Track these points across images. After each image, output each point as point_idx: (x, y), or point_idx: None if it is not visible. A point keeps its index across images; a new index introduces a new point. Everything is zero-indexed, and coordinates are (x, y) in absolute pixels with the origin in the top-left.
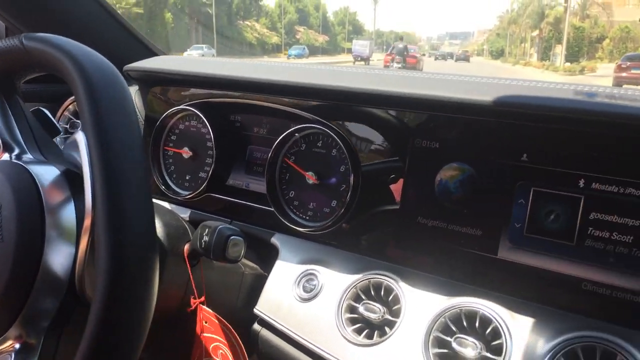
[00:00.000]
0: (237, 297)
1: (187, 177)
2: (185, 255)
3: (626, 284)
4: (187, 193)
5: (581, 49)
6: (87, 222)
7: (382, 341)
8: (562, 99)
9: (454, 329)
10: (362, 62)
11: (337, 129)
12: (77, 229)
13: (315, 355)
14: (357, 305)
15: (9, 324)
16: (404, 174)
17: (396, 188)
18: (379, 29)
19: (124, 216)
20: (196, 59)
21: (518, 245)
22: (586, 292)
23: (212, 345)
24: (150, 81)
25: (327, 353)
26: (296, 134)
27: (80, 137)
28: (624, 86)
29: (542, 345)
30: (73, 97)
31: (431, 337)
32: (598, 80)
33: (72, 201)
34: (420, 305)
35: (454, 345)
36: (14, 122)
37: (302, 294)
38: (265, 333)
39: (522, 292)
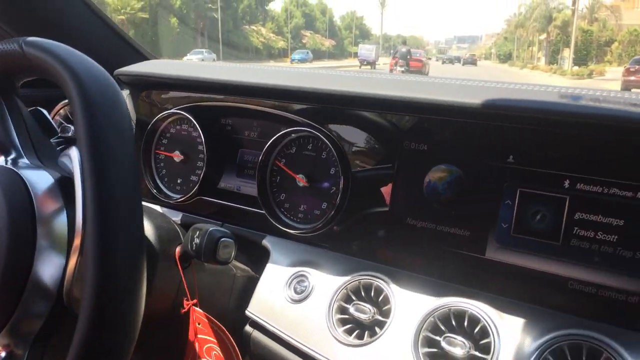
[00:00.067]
0: (229, 299)
1: (178, 181)
2: (177, 257)
3: (611, 283)
4: (178, 196)
5: (589, 52)
6: (77, 241)
7: (373, 341)
8: (546, 101)
9: (443, 328)
10: (368, 67)
11: (326, 132)
12: (68, 240)
13: (306, 356)
14: (347, 306)
15: None
16: (394, 175)
17: (386, 190)
18: (387, 33)
19: (114, 233)
20: (187, 62)
21: (505, 245)
22: (572, 291)
23: (205, 347)
24: (141, 85)
25: (318, 354)
26: (286, 137)
27: (74, 153)
28: (633, 90)
29: (530, 344)
30: (65, 102)
31: (421, 336)
32: (607, 84)
33: (65, 211)
34: (410, 305)
35: (443, 344)
36: (11, 123)
37: (293, 295)
38: (257, 335)
39: (509, 291)
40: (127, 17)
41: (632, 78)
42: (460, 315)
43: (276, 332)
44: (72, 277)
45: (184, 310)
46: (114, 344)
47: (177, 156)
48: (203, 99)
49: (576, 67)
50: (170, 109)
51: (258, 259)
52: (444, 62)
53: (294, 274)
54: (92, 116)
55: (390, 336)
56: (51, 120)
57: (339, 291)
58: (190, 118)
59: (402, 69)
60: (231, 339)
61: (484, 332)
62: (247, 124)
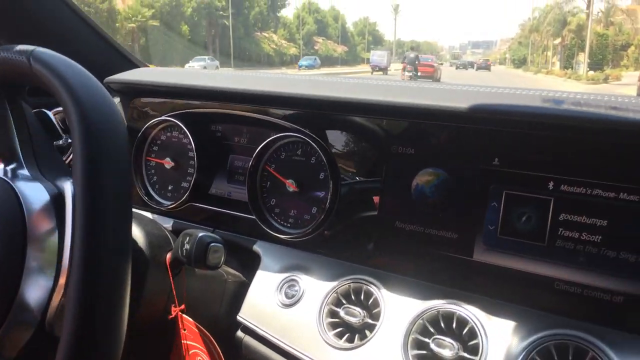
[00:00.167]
0: (221, 304)
1: (169, 187)
2: (168, 264)
3: (596, 283)
4: (169, 203)
5: (605, 56)
6: (62, 280)
7: (363, 344)
8: (530, 105)
9: (432, 330)
10: (380, 73)
11: (315, 137)
12: (57, 262)
13: None
14: (338, 309)
15: None
16: (382, 179)
17: (374, 194)
18: (400, 38)
19: (100, 260)
20: (177, 70)
21: (492, 247)
22: (559, 292)
23: (191, 352)
24: (131, 93)
25: (310, 358)
26: (276, 143)
27: (68, 191)
28: None
29: (517, 344)
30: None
31: (410, 338)
32: (623, 89)
33: (57, 232)
34: (399, 308)
35: (432, 346)
36: (15, 131)
37: (284, 300)
38: (248, 340)
39: (497, 292)
40: (138, 25)
41: None
42: (448, 317)
43: (268, 337)
44: (57, 303)
45: (171, 317)
46: None
47: (168, 163)
48: (193, 106)
49: (591, 72)
50: (160, 116)
51: (249, 265)
52: (457, 68)
53: (284, 279)
54: (91, 162)
55: (381, 339)
56: (55, 123)
57: (329, 295)
58: (181, 125)
59: (410, 74)
60: (216, 345)
61: (472, 334)
62: (237, 130)
